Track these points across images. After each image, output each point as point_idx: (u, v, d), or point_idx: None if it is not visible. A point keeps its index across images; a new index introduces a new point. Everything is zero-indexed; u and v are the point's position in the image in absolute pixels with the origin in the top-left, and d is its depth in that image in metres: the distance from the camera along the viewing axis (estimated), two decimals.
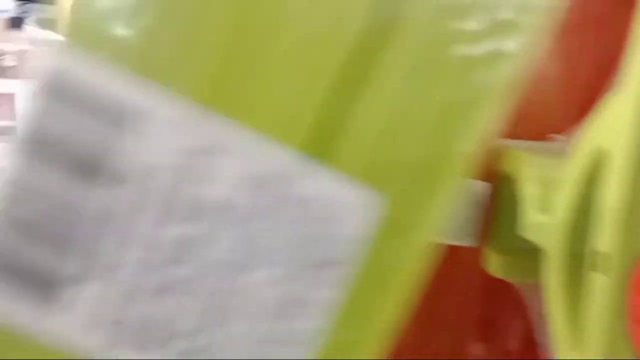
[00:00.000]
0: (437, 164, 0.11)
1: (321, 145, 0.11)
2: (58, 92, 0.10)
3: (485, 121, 0.12)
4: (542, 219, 0.22)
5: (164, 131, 0.11)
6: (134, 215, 0.11)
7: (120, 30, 0.11)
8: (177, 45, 0.11)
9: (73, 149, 0.10)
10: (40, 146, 0.10)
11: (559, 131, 0.22)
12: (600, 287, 0.19)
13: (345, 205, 0.11)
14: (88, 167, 0.10)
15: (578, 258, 0.21)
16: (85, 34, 0.11)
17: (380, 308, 0.12)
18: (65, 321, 0.11)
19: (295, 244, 0.11)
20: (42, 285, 0.11)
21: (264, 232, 0.11)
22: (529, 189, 0.24)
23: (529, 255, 0.26)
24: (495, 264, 0.28)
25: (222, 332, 0.12)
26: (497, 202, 0.27)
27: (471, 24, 0.11)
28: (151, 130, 0.11)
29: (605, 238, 0.19)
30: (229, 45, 0.11)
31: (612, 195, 0.19)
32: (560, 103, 0.25)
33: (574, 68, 0.26)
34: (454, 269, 0.32)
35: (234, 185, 0.11)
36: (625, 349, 0.18)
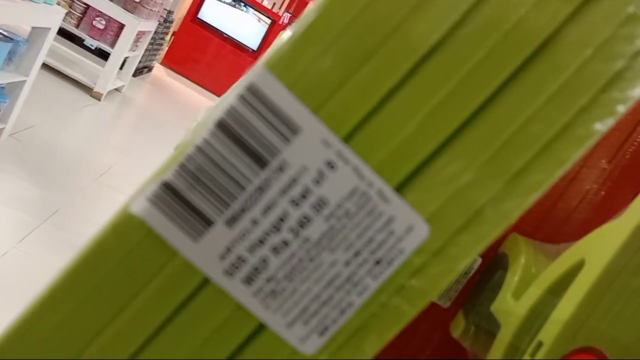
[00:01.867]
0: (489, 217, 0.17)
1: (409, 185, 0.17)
2: (255, 95, 0.16)
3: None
4: (511, 303, 0.28)
5: (312, 145, 0.16)
6: (279, 197, 0.16)
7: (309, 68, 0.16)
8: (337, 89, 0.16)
9: (254, 138, 0.16)
10: (233, 125, 0.16)
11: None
12: None
13: (407, 227, 0.17)
14: (261, 156, 0.16)
15: (521, 342, 0.27)
16: (284, 65, 0.16)
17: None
18: (205, 251, 0.16)
19: (368, 242, 0.17)
20: (199, 220, 0.16)
21: (350, 228, 0.17)
22: (512, 275, 0.30)
23: (489, 332, 0.32)
24: (459, 328, 0.34)
25: (290, 286, 0.17)
26: (484, 277, 0.34)
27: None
28: (305, 142, 0.16)
29: (548, 330, 0.25)
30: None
31: (567, 297, 0.25)
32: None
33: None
34: (421, 321, 0.37)
35: (342, 191, 0.16)
36: None
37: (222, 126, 0.16)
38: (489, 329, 0.31)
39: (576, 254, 0.26)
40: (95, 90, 2.65)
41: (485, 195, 0.17)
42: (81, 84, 2.65)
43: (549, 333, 0.24)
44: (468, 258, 0.18)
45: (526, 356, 0.25)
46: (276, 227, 0.16)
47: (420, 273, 0.17)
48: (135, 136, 2.75)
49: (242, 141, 0.16)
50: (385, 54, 0.16)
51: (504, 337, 0.28)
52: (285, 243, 0.16)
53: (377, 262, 0.17)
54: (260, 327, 0.17)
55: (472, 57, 0.16)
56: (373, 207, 0.17)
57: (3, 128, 1.71)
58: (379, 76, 0.16)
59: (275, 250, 0.16)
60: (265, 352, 0.17)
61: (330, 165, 0.16)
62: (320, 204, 0.16)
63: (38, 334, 0.17)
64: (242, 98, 0.16)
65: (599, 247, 0.25)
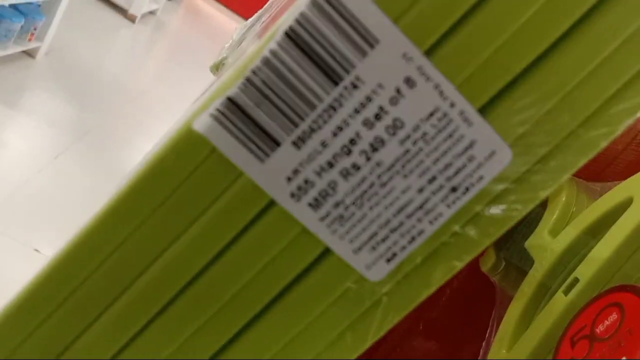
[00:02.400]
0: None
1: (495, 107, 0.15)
2: (330, 1, 0.14)
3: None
4: (547, 240, 0.27)
5: (391, 59, 0.15)
6: (351, 117, 0.15)
7: None
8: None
9: (326, 50, 0.14)
10: (303, 35, 0.14)
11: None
12: (559, 304, 0.24)
13: (489, 153, 0.15)
14: (333, 71, 0.14)
15: (552, 281, 0.26)
16: None
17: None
18: (272, 173, 0.15)
19: (445, 168, 0.16)
20: (266, 140, 0.15)
21: (427, 153, 0.15)
22: (551, 211, 0.29)
23: (519, 269, 0.31)
24: (488, 262, 0.33)
25: (359, 212, 0.16)
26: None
27: None
28: (383, 56, 0.14)
29: (586, 268, 0.24)
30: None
31: (610, 234, 0.23)
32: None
33: None
34: None
35: (420, 112, 0.15)
36: (548, 356, 0.23)
37: (291, 35, 0.14)
38: (520, 265, 0.30)
39: (624, 192, 0.25)
40: (130, 12, 2.61)
41: (573, 122, 0.16)
42: (116, 4, 2.61)
43: (586, 270, 0.23)
44: (550, 188, 0.16)
45: (560, 293, 0.25)
46: (347, 150, 0.15)
47: (498, 201, 0.16)
48: (170, 60, 2.72)
49: (314, 53, 0.14)
50: None
51: (536, 274, 0.27)
52: (356, 167, 0.15)
53: (454, 189, 0.16)
54: (326, 252, 0.16)
55: None
56: (454, 130, 0.15)
57: (39, 46, 1.71)
58: None
59: (345, 174, 0.15)
60: (330, 277, 0.17)
61: (410, 82, 0.15)
62: (395, 126, 0.15)
63: (103, 247, 0.16)
64: (314, 3, 0.14)
65: None
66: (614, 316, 0.20)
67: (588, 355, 0.20)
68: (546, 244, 0.27)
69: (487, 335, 0.28)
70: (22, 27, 1.56)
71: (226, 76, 0.15)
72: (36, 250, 1.06)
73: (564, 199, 0.29)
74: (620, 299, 0.21)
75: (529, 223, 0.30)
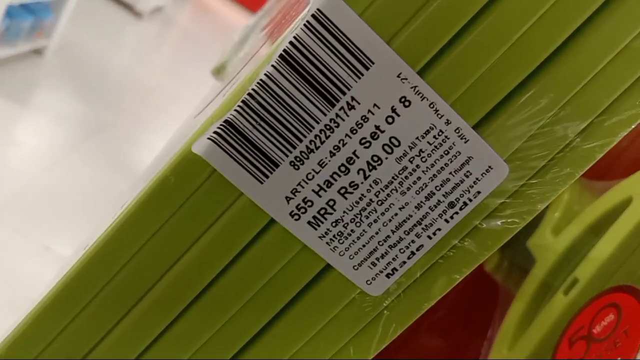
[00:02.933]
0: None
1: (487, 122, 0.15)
2: (322, 23, 0.14)
3: None
4: (550, 239, 0.27)
5: (386, 80, 0.15)
6: (348, 137, 0.15)
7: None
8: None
9: (321, 72, 0.15)
10: (298, 58, 0.14)
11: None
12: (559, 305, 0.24)
13: (486, 168, 0.16)
14: (330, 93, 0.15)
15: (554, 280, 0.26)
16: None
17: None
18: (271, 193, 0.15)
19: (442, 184, 0.16)
20: (264, 161, 0.15)
21: (423, 170, 0.16)
22: (553, 210, 0.29)
23: (522, 268, 0.31)
24: (492, 261, 0.33)
25: (358, 228, 0.16)
26: None
27: None
28: (378, 77, 0.15)
29: (585, 268, 0.24)
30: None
31: (609, 234, 0.23)
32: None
33: None
34: None
35: (416, 130, 0.15)
36: (546, 357, 0.23)
37: (287, 58, 0.15)
38: (523, 264, 0.30)
39: (624, 191, 0.25)
40: (137, 8, 2.61)
41: (569, 135, 0.16)
42: (123, 1, 2.61)
43: (585, 270, 0.24)
44: (548, 200, 0.17)
45: (560, 293, 0.25)
46: (345, 169, 0.15)
47: (496, 215, 0.16)
48: (179, 56, 2.73)
49: (310, 75, 0.15)
50: None
51: (537, 273, 0.27)
52: (354, 185, 0.16)
53: (451, 205, 0.16)
54: (327, 268, 0.17)
55: None
56: (450, 146, 0.15)
57: (48, 44, 1.71)
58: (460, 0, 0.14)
59: (344, 192, 0.16)
60: (332, 292, 0.17)
61: (405, 101, 0.15)
62: (392, 144, 0.15)
63: (112, 264, 0.16)
64: (308, 26, 0.14)
65: None
66: (610, 317, 0.20)
67: (585, 355, 0.21)
68: (548, 244, 0.27)
69: (488, 334, 0.28)
70: (31, 25, 1.56)
71: (224, 98, 0.16)
72: (47, 247, 1.07)
73: (566, 197, 0.29)
74: (617, 299, 0.21)
75: (532, 221, 0.30)
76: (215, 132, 0.15)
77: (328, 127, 0.15)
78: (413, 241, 0.16)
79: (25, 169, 1.28)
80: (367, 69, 0.15)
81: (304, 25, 0.14)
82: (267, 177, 0.15)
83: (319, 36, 0.14)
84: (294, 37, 0.14)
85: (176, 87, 2.20)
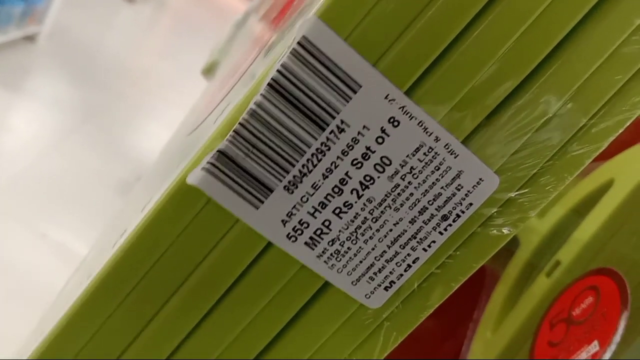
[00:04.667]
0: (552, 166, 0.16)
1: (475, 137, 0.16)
2: (309, 50, 0.14)
3: None
4: (534, 221, 0.27)
5: (375, 102, 0.15)
6: (340, 159, 0.15)
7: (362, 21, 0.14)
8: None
9: (310, 98, 0.15)
10: (286, 85, 0.15)
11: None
12: (542, 287, 0.24)
13: (476, 181, 0.16)
14: (319, 117, 0.15)
15: (537, 263, 0.26)
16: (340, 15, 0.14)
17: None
18: (267, 217, 0.16)
19: (434, 198, 0.16)
20: (259, 188, 0.15)
21: (415, 186, 0.16)
22: None
23: (508, 250, 0.31)
24: None
25: (355, 246, 0.16)
26: None
27: None
28: (366, 99, 0.15)
29: (567, 250, 0.24)
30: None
31: (591, 217, 0.23)
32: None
33: None
34: None
35: (406, 149, 0.15)
36: (528, 340, 0.23)
37: (275, 86, 0.15)
38: (508, 246, 0.31)
39: (606, 172, 0.25)
40: None
41: (557, 143, 0.16)
42: None
43: (567, 252, 0.24)
44: (539, 206, 0.17)
45: (543, 275, 0.25)
46: (338, 190, 0.16)
47: (490, 224, 0.17)
48: (172, 39, 2.70)
49: (298, 102, 0.15)
50: None
51: (522, 255, 0.28)
52: (348, 205, 0.16)
53: (444, 218, 0.16)
54: (326, 285, 0.17)
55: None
56: (440, 162, 0.16)
57: (40, 30, 1.70)
58: (444, 20, 0.14)
59: (338, 212, 0.16)
60: (332, 307, 0.17)
61: (394, 122, 0.15)
62: (383, 163, 0.15)
63: (113, 296, 0.17)
64: (294, 54, 0.14)
65: (630, 166, 0.23)
66: (589, 300, 0.21)
67: (564, 338, 0.21)
68: (532, 226, 0.28)
69: (475, 316, 0.29)
70: (22, 11, 1.55)
71: (216, 126, 0.16)
72: (43, 234, 1.08)
73: None
74: (597, 282, 0.21)
75: None
76: (209, 163, 0.15)
77: (319, 150, 0.15)
78: (409, 254, 0.17)
79: (20, 155, 1.27)
80: (354, 92, 0.15)
81: (291, 53, 0.14)
82: (262, 202, 0.15)
83: (306, 63, 0.14)
84: (281, 66, 0.14)
85: (170, 71, 2.19)
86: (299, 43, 0.14)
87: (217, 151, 0.15)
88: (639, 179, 0.22)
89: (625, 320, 0.18)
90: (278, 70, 0.15)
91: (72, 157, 1.40)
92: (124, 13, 2.48)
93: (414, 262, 0.17)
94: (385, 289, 0.17)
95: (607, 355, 0.18)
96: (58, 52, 1.79)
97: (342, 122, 0.15)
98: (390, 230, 0.16)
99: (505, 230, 0.17)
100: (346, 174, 0.15)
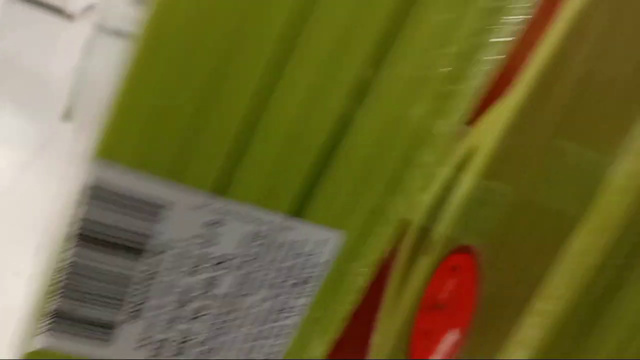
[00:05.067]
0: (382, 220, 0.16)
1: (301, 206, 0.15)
2: (99, 196, 0.14)
3: None
4: (420, 197, 0.25)
5: (184, 214, 0.14)
6: (172, 275, 0.15)
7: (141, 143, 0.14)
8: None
9: (118, 234, 0.14)
10: (88, 238, 0.14)
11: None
12: (420, 267, 0.23)
13: (316, 242, 0.16)
14: (133, 247, 0.14)
15: (421, 242, 0.25)
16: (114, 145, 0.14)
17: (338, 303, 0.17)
18: (123, 348, 0.15)
19: (280, 273, 0.16)
20: (99, 328, 0.15)
21: (258, 270, 0.16)
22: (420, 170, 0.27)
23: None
24: None
25: (225, 338, 0.16)
26: None
27: None
28: (176, 214, 0.14)
29: (440, 227, 0.22)
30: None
31: (458, 189, 0.22)
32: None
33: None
34: None
35: (239, 241, 0.15)
36: (400, 324, 0.21)
37: (78, 237, 0.14)
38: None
39: (472, 140, 0.23)
40: (66, 10, 2.28)
41: (376, 200, 0.16)
42: (47, 4, 2.30)
43: (439, 229, 0.21)
44: (388, 245, 0.17)
45: (422, 256, 0.22)
46: (184, 301, 0.15)
47: (343, 272, 0.17)
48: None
49: (107, 243, 0.14)
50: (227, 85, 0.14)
51: (408, 238, 0.26)
52: (201, 309, 0.16)
53: (295, 285, 0.16)
54: None
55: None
56: (280, 241, 0.15)
57: None
58: (226, 115, 0.14)
59: (194, 317, 0.16)
60: None
61: (216, 223, 0.15)
62: (221, 261, 0.15)
63: None
64: (86, 203, 0.14)
65: (489, 130, 0.22)
66: (452, 282, 0.19)
67: (431, 325, 0.20)
68: (417, 201, 0.26)
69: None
70: None
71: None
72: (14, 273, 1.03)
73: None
74: (457, 261, 0.19)
75: None
76: (47, 325, 0.15)
77: (147, 275, 0.15)
78: (275, 326, 0.17)
79: None
80: (161, 212, 0.14)
81: (85, 203, 0.14)
82: (109, 339, 0.15)
83: (101, 207, 0.14)
84: (79, 219, 0.14)
85: None
86: (87, 193, 0.13)
87: (51, 312, 0.14)
88: (493, 144, 0.21)
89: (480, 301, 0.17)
90: (78, 225, 0.14)
91: (31, 193, 1.32)
92: (64, 34, 2.25)
93: (283, 330, 0.17)
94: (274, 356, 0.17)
95: (468, 342, 0.17)
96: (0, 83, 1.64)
97: (157, 244, 0.14)
98: (249, 314, 0.16)
99: (362, 271, 0.17)
100: (186, 284, 0.15)
